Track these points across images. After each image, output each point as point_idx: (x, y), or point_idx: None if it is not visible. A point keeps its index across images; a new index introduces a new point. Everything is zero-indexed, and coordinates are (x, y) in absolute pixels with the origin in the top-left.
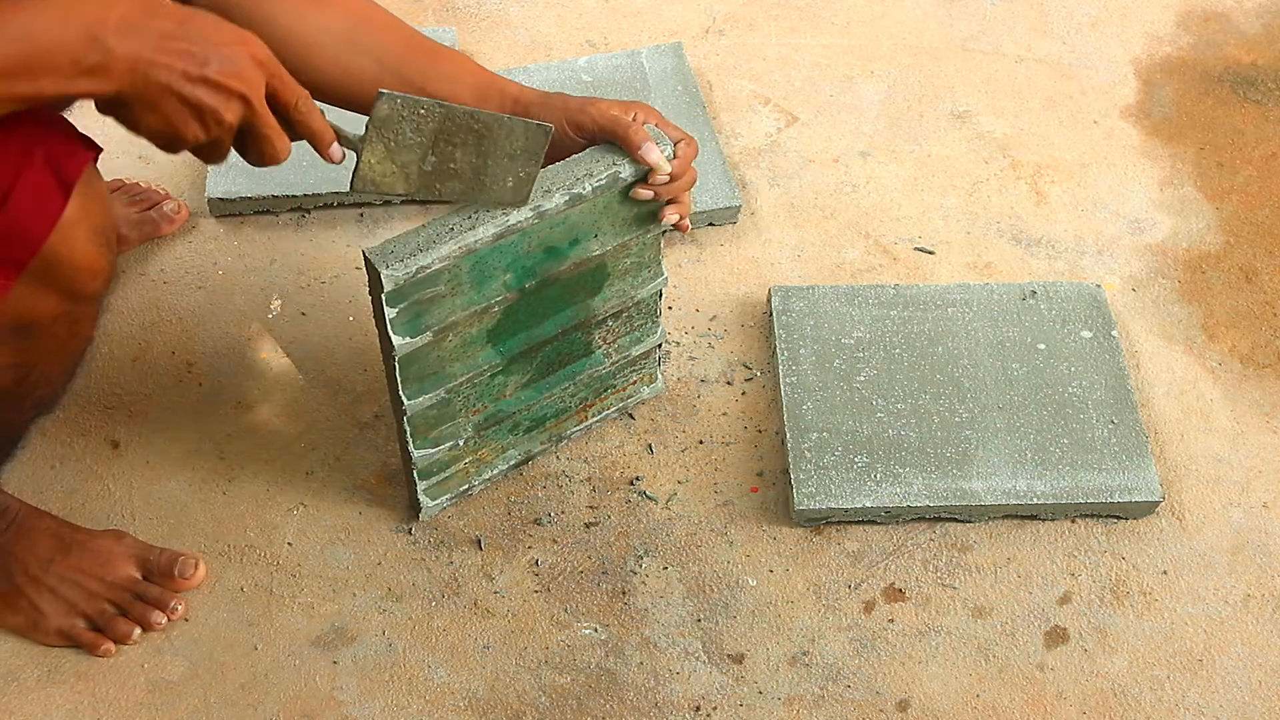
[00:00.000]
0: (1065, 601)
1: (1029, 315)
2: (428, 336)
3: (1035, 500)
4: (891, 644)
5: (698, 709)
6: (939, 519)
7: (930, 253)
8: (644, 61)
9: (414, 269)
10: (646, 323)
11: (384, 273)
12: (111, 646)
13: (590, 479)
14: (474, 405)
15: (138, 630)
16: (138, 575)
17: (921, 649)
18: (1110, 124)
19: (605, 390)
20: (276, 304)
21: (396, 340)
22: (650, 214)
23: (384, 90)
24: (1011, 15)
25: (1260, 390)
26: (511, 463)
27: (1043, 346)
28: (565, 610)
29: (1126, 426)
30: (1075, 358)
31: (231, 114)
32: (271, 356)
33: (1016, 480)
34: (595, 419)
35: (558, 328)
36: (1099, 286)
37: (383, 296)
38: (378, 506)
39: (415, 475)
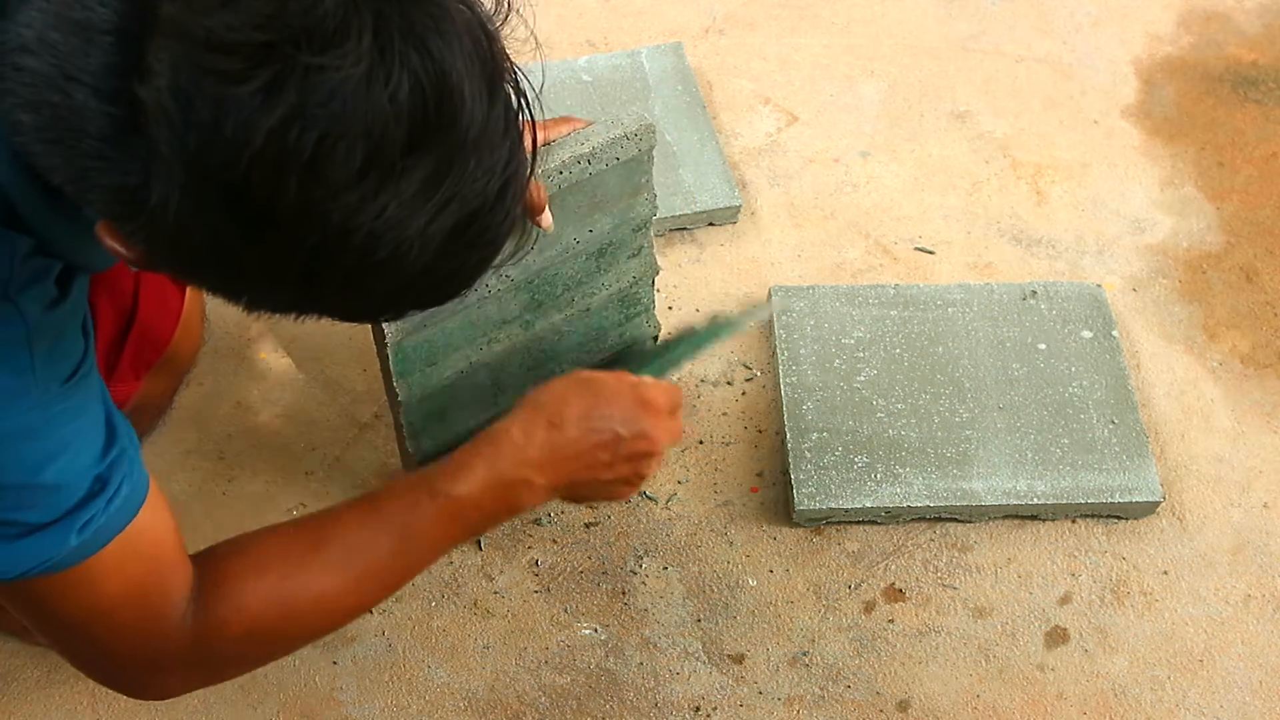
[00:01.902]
0: (1065, 602)
1: (1029, 315)
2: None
3: (1035, 500)
4: (891, 644)
5: (698, 709)
6: (939, 519)
7: (930, 253)
8: (644, 61)
9: None
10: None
11: None
12: None
13: None
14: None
15: None
16: None
17: (922, 649)
18: (1111, 124)
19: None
20: None
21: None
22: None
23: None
24: (1011, 15)
25: (1260, 390)
26: None
27: (1043, 346)
28: (565, 610)
29: (1127, 427)
30: (1076, 358)
31: (650, 468)
32: (271, 356)
33: (1017, 480)
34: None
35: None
36: (1099, 286)
37: None
38: None
39: None
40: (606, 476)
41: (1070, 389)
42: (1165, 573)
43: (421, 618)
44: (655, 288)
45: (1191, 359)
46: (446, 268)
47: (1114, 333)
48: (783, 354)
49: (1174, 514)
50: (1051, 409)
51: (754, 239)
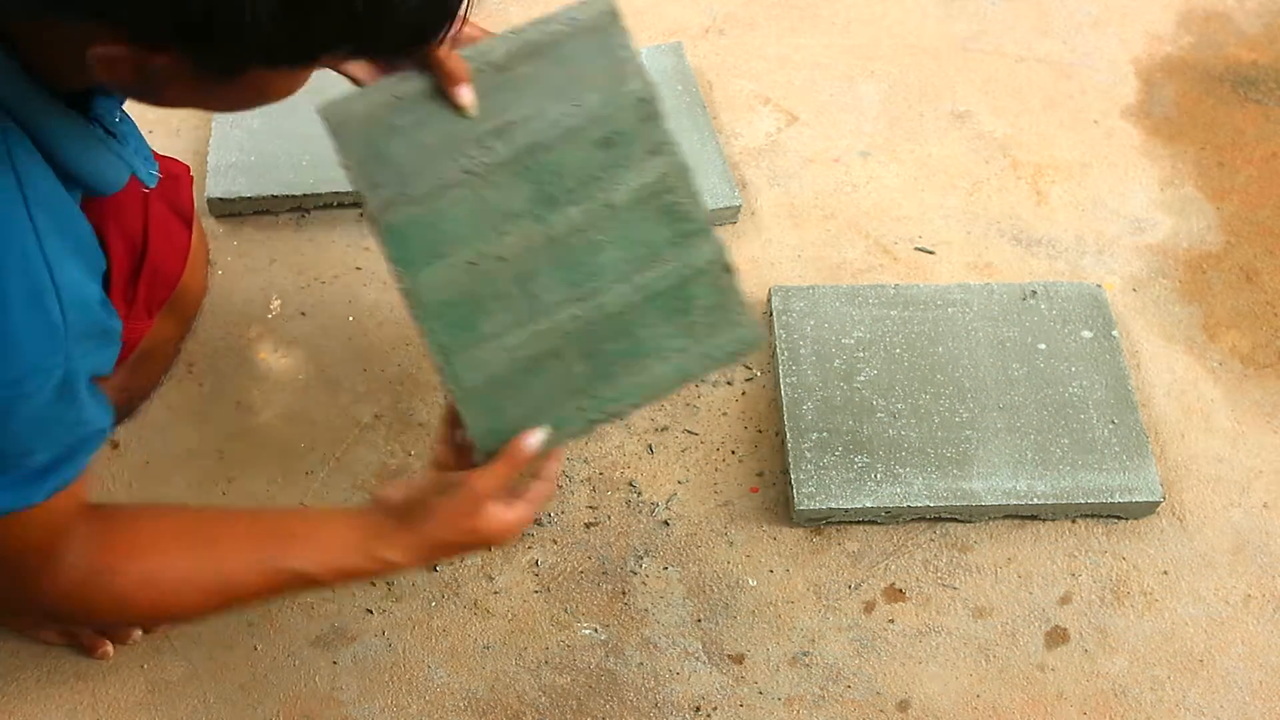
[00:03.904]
0: (1066, 602)
1: (1029, 315)
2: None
3: (1035, 500)
4: (891, 644)
5: (698, 709)
6: (939, 519)
7: (930, 253)
8: (644, 61)
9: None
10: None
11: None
12: (110, 650)
13: (590, 479)
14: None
15: (138, 631)
16: None
17: (922, 649)
18: (1111, 124)
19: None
20: (276, 304)
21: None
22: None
23: None
24: (1011, 15)
25: (1261, 390)
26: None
27: (1043, 346)
28: (565, 610)
29: (1127, 427)
30: (1076, 358)
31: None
32: (271, 356)
33: (1017, 480)
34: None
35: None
36: (1099, 286)
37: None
38: None
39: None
40: (459, 553)
41: (1070, 389)
42: (1165, 573)
43: (421, 618)
44: (706, 208)
45: (1191, 359)
46: None
47: (1114, 333)
48: (783, 354)
49: (1174, 514)
50: (1051, 409)
51: (754, 239)
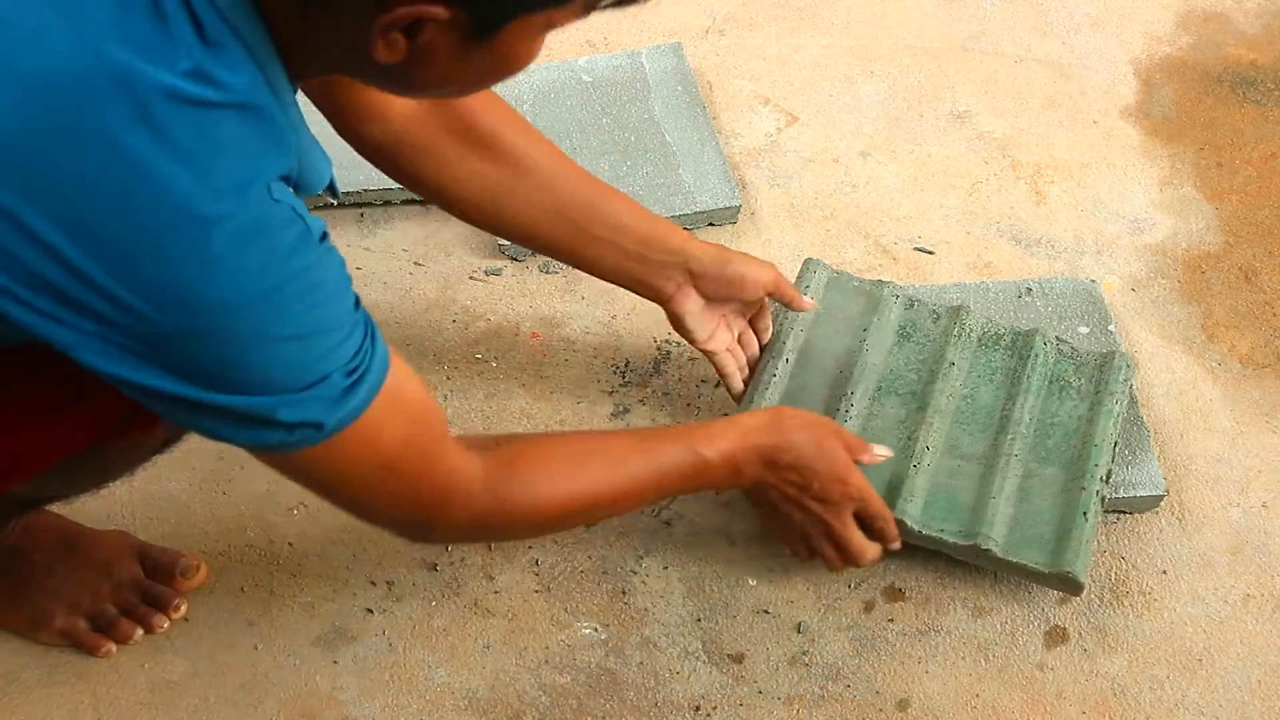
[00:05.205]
0: (1064, 601)
1: (1025, 312)
2: None
3: None
4: (891, 644)
5: (698, 709)
6: None
7: (930, 253)
8: (644, 61)
9: None
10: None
11: None
12: (113, 648)
13: None
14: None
15: (140, 631)
16: (142, 574)
17: (921, 649)
18: (1110, 124)
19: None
20: None
21: None
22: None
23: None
24: (1011, 15)
25: (1260, 390)
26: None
27: None
28: (565, 610)
29: (1127, 422)
30: None
31: (819, 529)
32: None
33: None
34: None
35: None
36: (1094, 282)
37: None
38: None
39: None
40: (787, 509)
41: None
42: (1164, 572)
43: (421, 617)
44: (999, 322)
45: (1190, 359)
46: None
47: (1110, 328)
48: None
49: (1173, 513)
50: None
51: (754, 239)
